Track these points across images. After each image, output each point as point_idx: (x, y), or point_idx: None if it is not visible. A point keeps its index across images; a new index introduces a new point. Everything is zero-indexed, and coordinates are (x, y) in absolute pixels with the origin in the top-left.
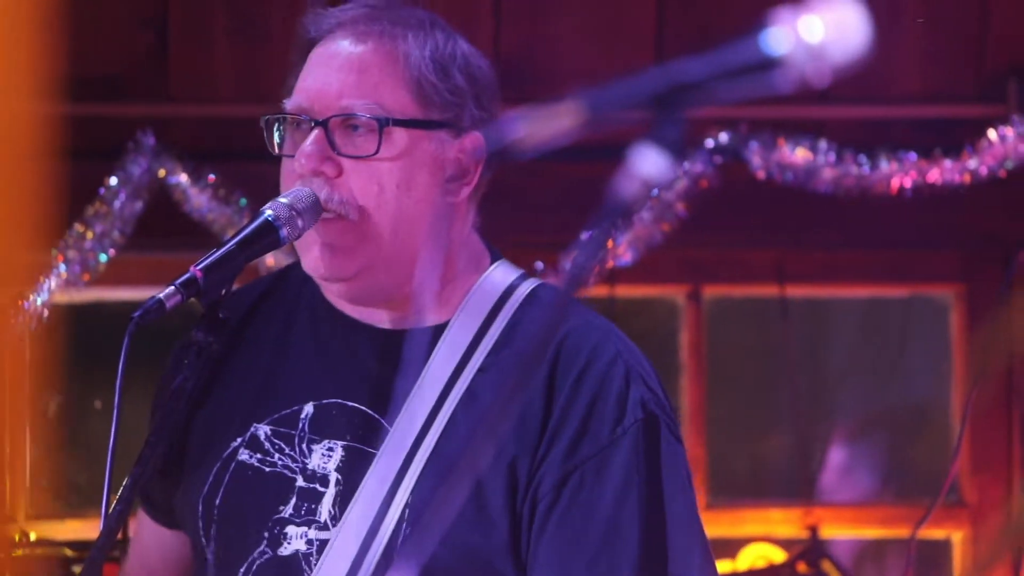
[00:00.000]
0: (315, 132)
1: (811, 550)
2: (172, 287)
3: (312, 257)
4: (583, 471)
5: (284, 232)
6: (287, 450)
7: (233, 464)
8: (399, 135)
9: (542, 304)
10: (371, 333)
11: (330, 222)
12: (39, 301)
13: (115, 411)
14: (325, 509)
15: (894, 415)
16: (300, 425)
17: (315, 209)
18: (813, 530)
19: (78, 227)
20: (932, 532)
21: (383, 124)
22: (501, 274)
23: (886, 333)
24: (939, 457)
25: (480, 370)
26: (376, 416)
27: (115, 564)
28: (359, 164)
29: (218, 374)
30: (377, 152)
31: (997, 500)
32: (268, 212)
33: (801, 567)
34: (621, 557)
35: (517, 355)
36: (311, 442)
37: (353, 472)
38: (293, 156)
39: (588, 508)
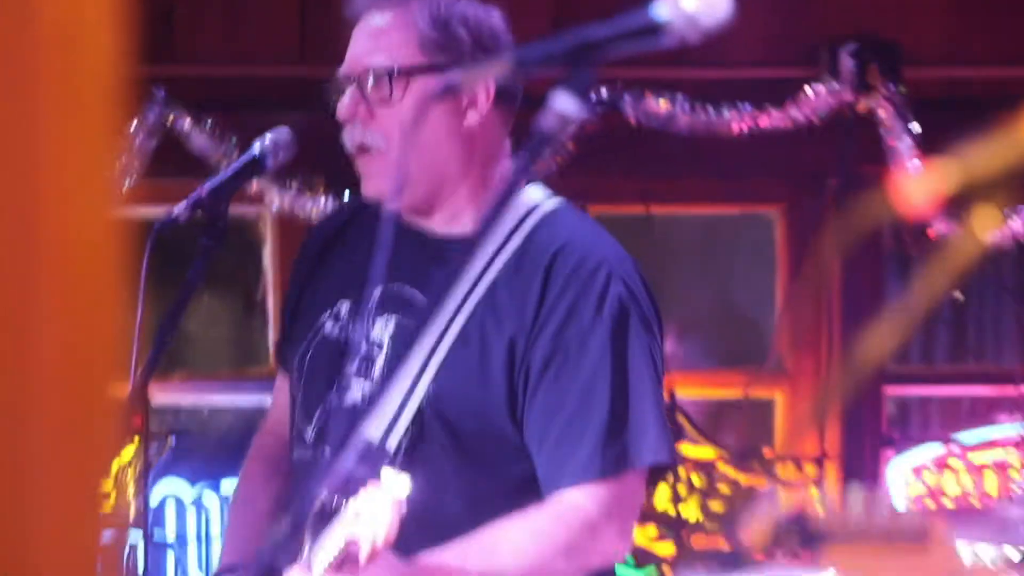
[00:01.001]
0: (350, 88)
1: (668, 408)
2: (184, 204)
3: (364, 186)
4: (567, 349)
5: (268, 163)
6: (358, 321)
7: (321, 331)
8: (413, 81)
9: (557, 218)
10: (426, 237)
11: (368, 155)
12: None
13: (140, 296)
14: (378, 368)
15: (732, 304)
16: (369, 303)
17: (289, 146)
18: (671, 392)
19: None
20: (760, 394)
21: (392, 73)
22: (531, 193)
23: (727, 242)
24: (766, 337)
25: (502, 272)
26: (423, 299)
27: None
28: (384, 107)
29: (325, 264)
30: (391, 95)
31: (810, 370)
32: (254, 149)
33: None
34: (591, 421)
35: (529, 261)
36: (375, 316)
37: (401, 342)
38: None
39: (568, 379)
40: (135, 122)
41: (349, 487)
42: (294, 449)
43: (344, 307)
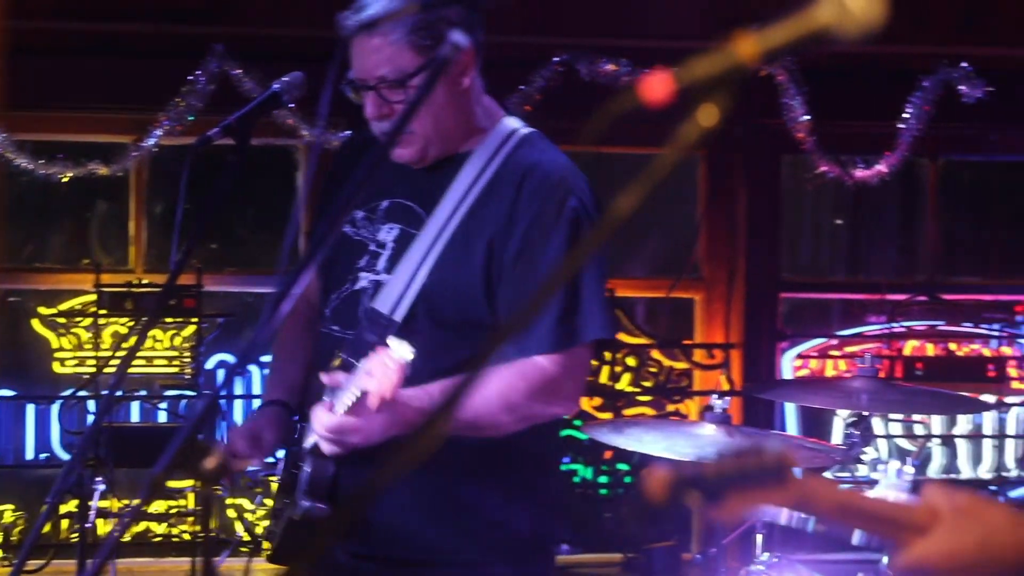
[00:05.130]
0: (369, 95)
1: (610, 304)
2: (217, 128)
3: (393, 154)
4: (531, 247)
5: (285, 98)
6: (369, 227)
7: (341, 233)
8: (417, 79)
9: (529, 143)
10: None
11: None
12: (151, 143)
13: (180, 201)
14: (382, 263)
15: (662, 225)
16: (379, 212)
17: (302, 86)
18: (611, 291)
19: (177, 100)
20: (682, 294)
21: (402, 79)
22: (508, 123)
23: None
24: (688, 251)
25: (484, 187)
26: (421, 211)
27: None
28: (401, 105)
29: (345, 180)
30: (407, 95)
31: (722, 277)
32: (275, 86)
33: None
34: (549, 304)
35: (507, 176)
36: (382, 222)
37: (402, 244)
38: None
39: (532, 271)
40: (197, 70)
41: (363, 350)
42: (317, 322)
43: (359, 215)
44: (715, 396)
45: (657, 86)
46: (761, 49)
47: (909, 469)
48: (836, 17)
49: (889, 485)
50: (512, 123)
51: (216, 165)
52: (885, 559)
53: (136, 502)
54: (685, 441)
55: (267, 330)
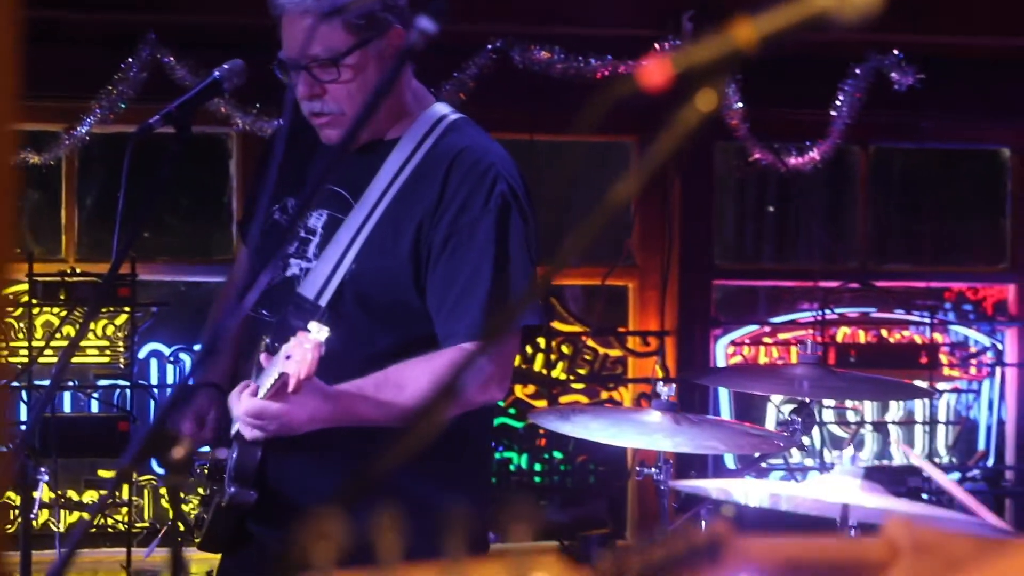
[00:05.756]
0: (300, 75)
1: (543, 292)
2: (158, 116)
3: (324, 137)
4: (460, 232)
5: (225, 86)
6: (297, 213)
7: (271, 219)
8: (349, 58)
9: (457, 128)
10: (357, 149)
11: (326, 119)
12: (83, 131)
13: (122, 190)
14: (311, 250)
15: (595, 212)
16: (307, 198)
17: (243, 73)
18: (547, 279)
19: (109, 88)
20: (616, 282)
21: (333, 60)
22: (438, 108)
23: (594, 164)
24: (621, 238)
25: (413, 172)
26: (349, 196)
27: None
28: (332, 84)
29: (277, 167)
30: (339, 75)
31: (655, 265)
32: (216, 73)
33: None
34: (479, 290)
35: (435, 161)
36: (312, 209)
37: (331, 229)
38: (293, 83)
39: (461, 257)
40: (129, 58)
41: (287, 335)
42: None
43: (290, 202)
44: (660, 383)
45: (655, 72)
46: (759, 34)
47: (863, 456)
48: (835, 1)
49: (843, 473)
50: (441, 109)
51: (152, 153)
52: None
53: (105, 492)
54: (632, 428)
55: (233, 318)
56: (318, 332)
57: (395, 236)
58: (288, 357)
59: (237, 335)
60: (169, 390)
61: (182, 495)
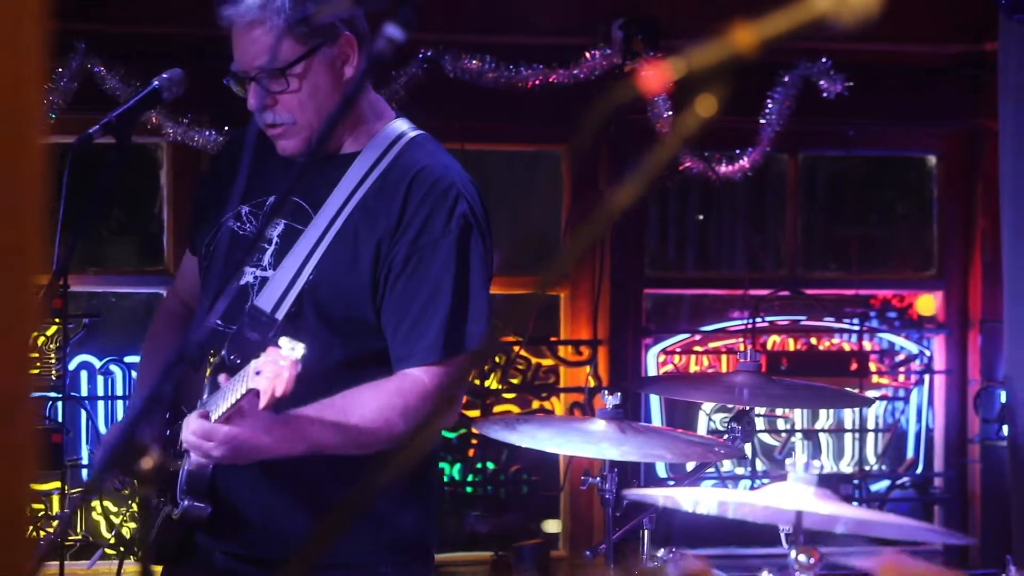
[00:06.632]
0: (251, 86)
1: None
2: (98, 126)
3: (280, 148)
4: (421, 253)
5: (165, 95)
6: (254, 222)
7: (224, 227)
8: (297, 67)
9: (417, 145)
10: (316, 159)
11: (280, 129)
12: None
13: (61, 200)
14: (267, 259)
15: (527, 222)
16: (265, 208)
17: (182, 82)
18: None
19: None
20: (552, 293)
21: (282, 70)
22: (398, 124)
23: (525, 174)
24: (553, 248)
25: (372, 186)
26: (307, 207)
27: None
28: (282, 94)
29: (229, 171)
30: (288, 85)
31: (587, 275)
32: (155, 83)
33: None
34: (439, 309)
35: (395, 178)
36: (268, 218)
37: (288, 239)
38: (245, 95)
39: (421, 278)
40: (60, 67)
41: (242, 347)
42: (189, 320)
43: (244, 210)
44: (605, 392)
45: (655, 77)
46: (759, 39)
47: (817, 463)
48: (834, 5)
49: (797, 480)
50: (401, 125)
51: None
52: (793, 553)
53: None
54: (578, 437)
55: (202, 328)
56: (293, 349)
57: (354, 252)
58: (259, 373)
59: (171, 348)
60: (131, 401)
61: (119, 507)
